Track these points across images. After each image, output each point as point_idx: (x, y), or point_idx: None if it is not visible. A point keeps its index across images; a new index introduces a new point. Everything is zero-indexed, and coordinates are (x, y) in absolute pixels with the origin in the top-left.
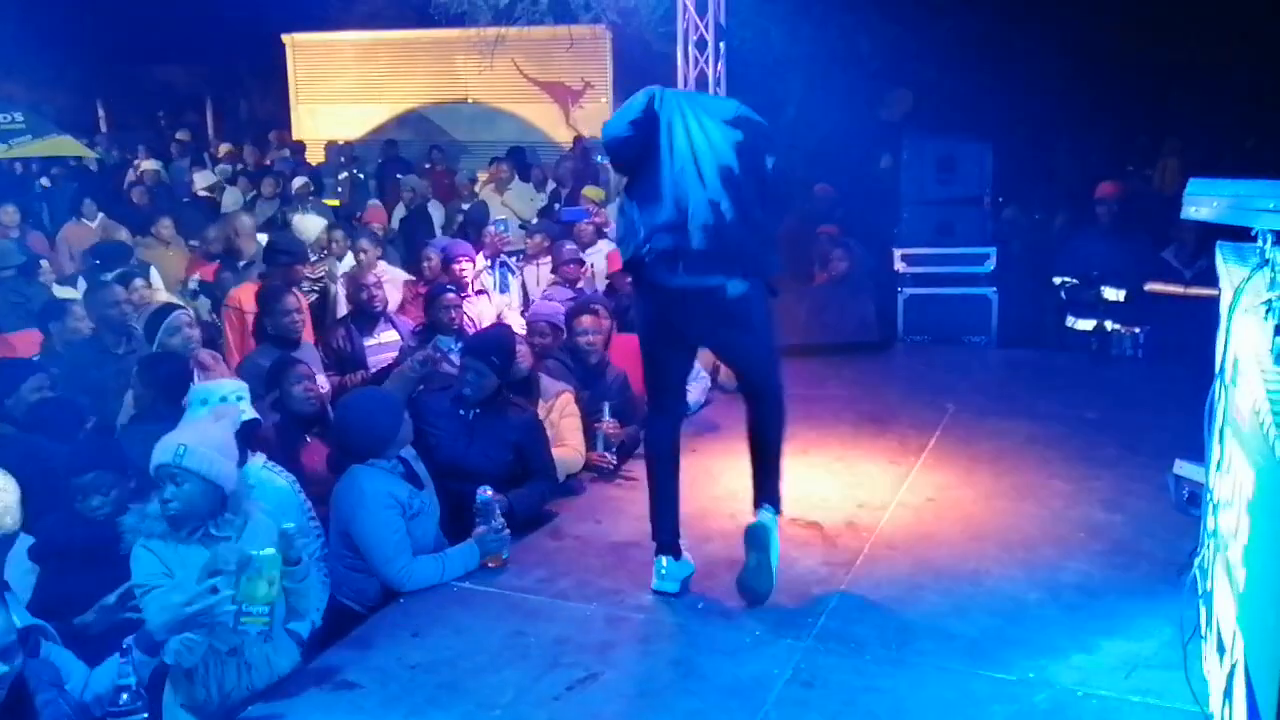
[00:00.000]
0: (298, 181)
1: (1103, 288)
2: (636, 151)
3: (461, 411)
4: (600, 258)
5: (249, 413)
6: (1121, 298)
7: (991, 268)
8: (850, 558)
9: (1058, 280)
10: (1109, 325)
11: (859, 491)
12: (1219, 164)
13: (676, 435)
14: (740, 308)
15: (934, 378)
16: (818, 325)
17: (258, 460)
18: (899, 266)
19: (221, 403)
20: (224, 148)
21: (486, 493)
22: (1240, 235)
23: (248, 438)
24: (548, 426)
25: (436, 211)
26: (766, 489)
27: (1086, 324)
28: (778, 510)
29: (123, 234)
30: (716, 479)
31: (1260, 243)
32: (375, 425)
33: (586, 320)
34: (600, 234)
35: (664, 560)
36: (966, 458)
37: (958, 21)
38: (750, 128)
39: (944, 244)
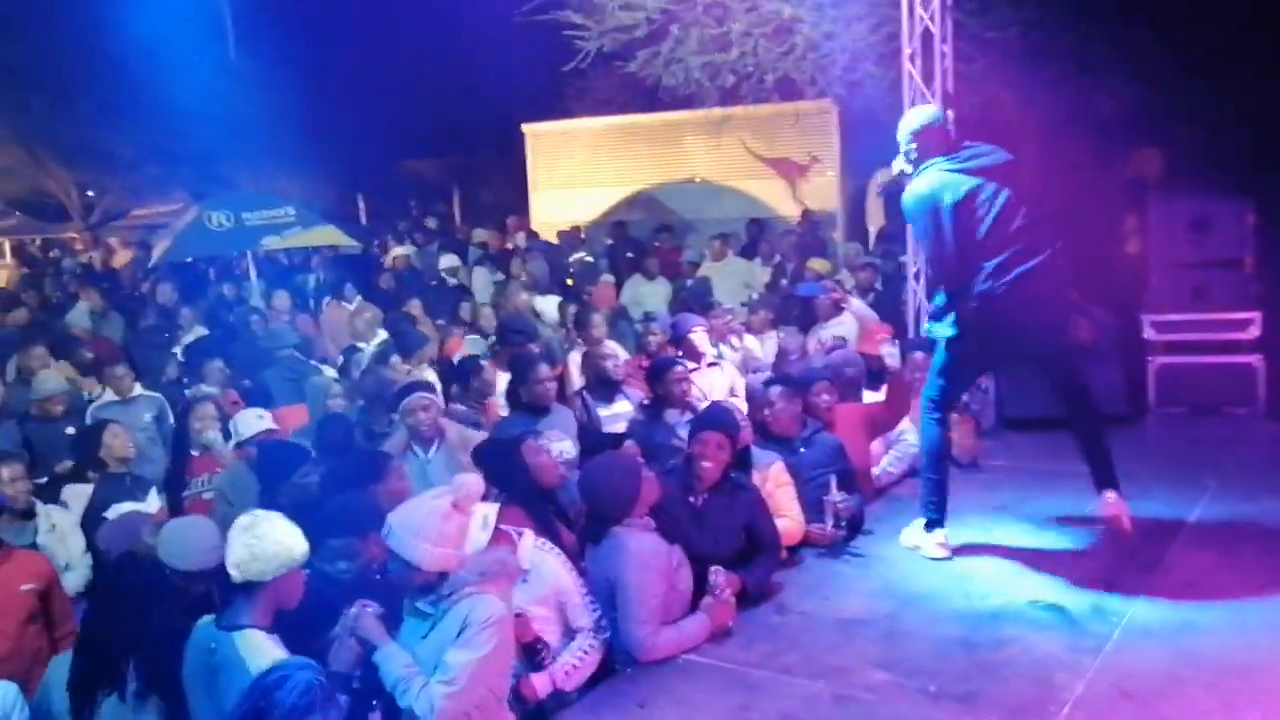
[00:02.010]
0: (538, 269)
1: None
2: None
3: (690, 498)
4: (845, 330)
5: (492, 511)
6: None
7: (1257, 334)
8: (1098, 643)
9: None
10: None
11: (1107, 572)
12: None
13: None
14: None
15: (1191, 452)
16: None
17: (528, 540)
18: (1148, 334)
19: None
20: (478, 233)
21: (719, 575)
22: None
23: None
24: (764, 496)
25: (663, 288)
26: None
27: None
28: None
29: (371, 313)
30: (951, 556)
31: None
32: (620, 488)
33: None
34: (838, 308)
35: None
36: (1231, 540)
37: (1211, 77)
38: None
39: (1200, 309)
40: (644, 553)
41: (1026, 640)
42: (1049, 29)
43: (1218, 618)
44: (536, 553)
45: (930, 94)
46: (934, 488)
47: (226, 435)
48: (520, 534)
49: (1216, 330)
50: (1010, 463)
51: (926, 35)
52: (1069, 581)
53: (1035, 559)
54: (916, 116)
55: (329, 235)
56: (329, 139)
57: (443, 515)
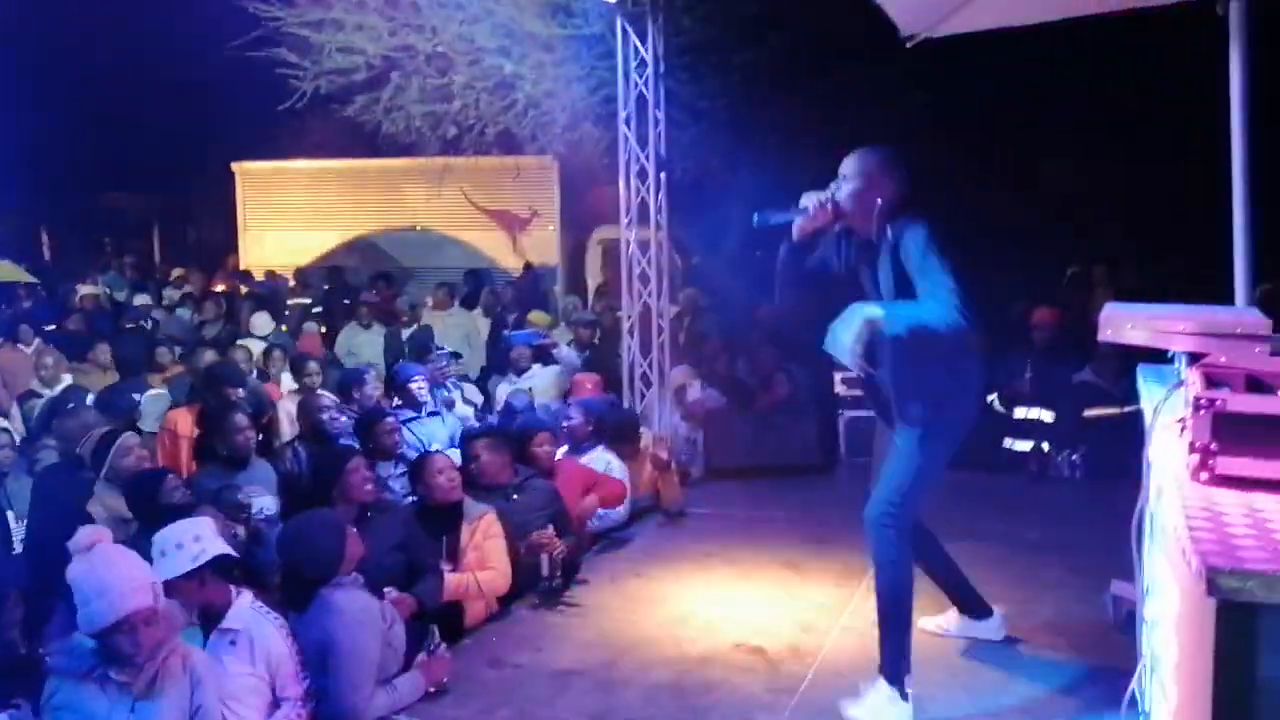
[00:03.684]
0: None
1: (1029, 408)
2: None
3: None
4: (538, 383)
5: (215, 548)
6: (1049, 419)
7: None
8: (794, 683)
9: (990, 398)
10: (1046, 446)
11: (803, 615)
12: (1145, 290)
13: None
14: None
15: None
16: (760, 448)
17: (244, 600)
18: (839, 390)
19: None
20: (175, 273)
21: (392, 595)
22: (1161, 357)
23: (224, 574)
24: (472, 549)
25: (378, 336)
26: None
27: (1024, 445)
28: (889, 680)
29: (52, 358)
30: (662, 603)
31: (1176, 364)
32: (323, 546)
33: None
34: (539, 358)
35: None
36: None
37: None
38: None
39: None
40: (357, 611)
41: (732, 683)
42: (755, 103)
43: None
44: (253, 614)
45: (645, 157)
46: (904, 639)
47: None
48: (240, 591)
49: None
50: (716, 510)
51: (641, 100)
52: (769, 624)
53: (740, 603)
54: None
55: (6, 272)
56: (9, 167)
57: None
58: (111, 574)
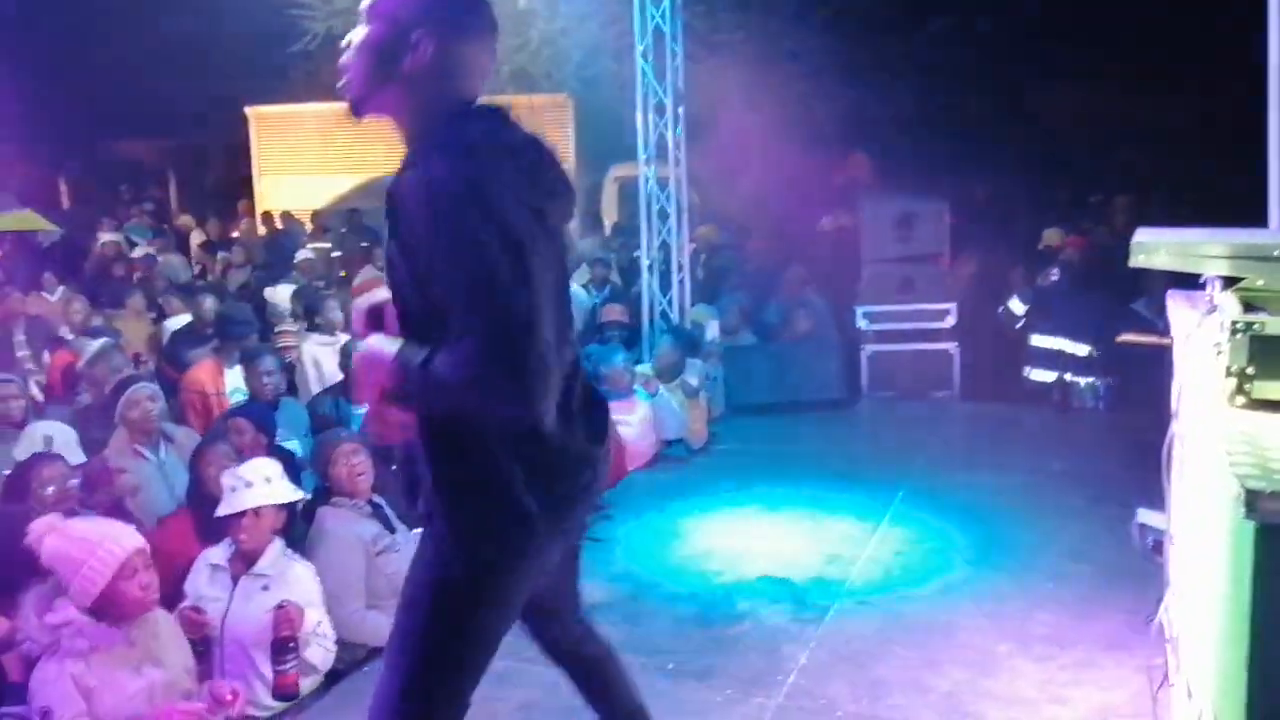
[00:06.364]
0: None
1: (1053, 338)
2: None
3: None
4: None
5: (283, 492)
6: (1084, 352)
7: (952, 323)
8: (820, 613)
9: (1036, 341)
10: (1069, 377)
11: (829, 546)
12: (1169, 216)
13: None
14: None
15: (899, 433)
16: (783, 384)
17: (277, 546)
18: (861, 324)
19: (264, 484)
20: (185, 220)
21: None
22: (1192, 283)
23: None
24: None
25: None
26: None
27: (1047, 376)
28: None
29: (81, 305)
30: (687, 538)
31: (1208, 289)
32: (316, 458)
33: None
34: None
35: None
36: (934, 511)
37: (916, 88)
38: None
39: (905, 301)
40: (338, 531)
41: (757, 614)
42: (771, 36)
43: (923, 582)
44: (285, 560)
45: (663, 91)
46: None
47: None
48: (274, 539)
49: (919, 320)
50: (738, 446)
51: (658, 34)
52: (794, 556)
53: (765, 536)
54: None
55: (27, 220)
56: (28, 115)
57: None
58: None
